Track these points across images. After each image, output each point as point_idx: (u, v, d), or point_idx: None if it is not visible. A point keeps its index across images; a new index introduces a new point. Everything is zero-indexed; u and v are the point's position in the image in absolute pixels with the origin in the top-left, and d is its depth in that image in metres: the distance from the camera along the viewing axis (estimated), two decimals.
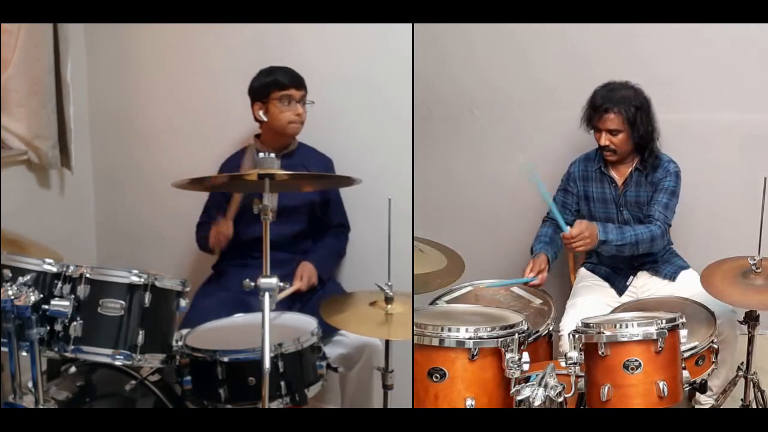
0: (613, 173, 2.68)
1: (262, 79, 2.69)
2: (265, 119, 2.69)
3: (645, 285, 2.69)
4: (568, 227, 2.43)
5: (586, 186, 2.72)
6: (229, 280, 2.66)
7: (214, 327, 2.33)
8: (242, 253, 2.74)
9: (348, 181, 2.19)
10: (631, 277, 2.71)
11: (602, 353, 1.93)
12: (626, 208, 2.66)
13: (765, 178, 2.23)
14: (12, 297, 1.85)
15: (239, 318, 2.41)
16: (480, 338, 1.92)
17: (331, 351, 2.43)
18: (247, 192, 2.55)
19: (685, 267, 2.70)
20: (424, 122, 2.91)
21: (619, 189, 2.66)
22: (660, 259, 2.68)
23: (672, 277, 2.67)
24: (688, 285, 2.58)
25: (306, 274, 2.61)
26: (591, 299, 2.61)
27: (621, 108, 2.52)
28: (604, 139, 2.57)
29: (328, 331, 2.31)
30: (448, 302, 2.55)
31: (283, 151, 2.72)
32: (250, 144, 2.78)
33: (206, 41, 3.02)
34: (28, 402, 1.93)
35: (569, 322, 2.45)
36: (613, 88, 2.57)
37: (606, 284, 2.72)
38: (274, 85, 2.65)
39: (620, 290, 2.69)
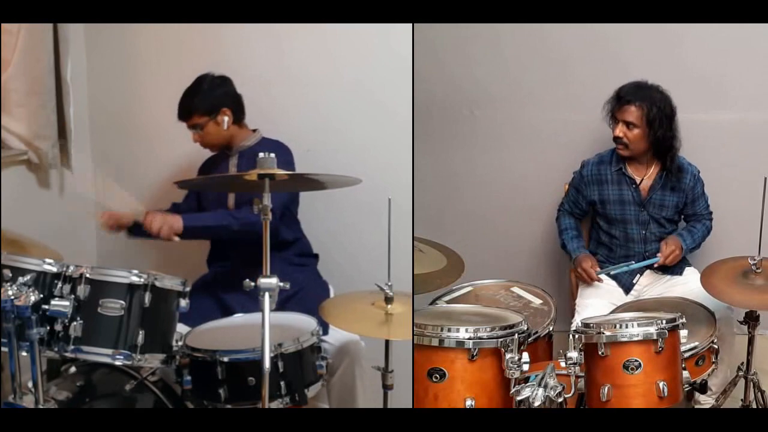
0: (633, 174, 2.68)
1: None
2: None
3: (651, 283, 2.71)
4: (657, 257, 2.62)
5: (601, 189, 2.71)
6: (212, 278, 2.69)
7: (214, 327, 2.33)
8: (217, 251, 2.76)
9: (347, 181, 2.19)
10: (638, 275, 2.71)
11: (602, 353, 1.93)
12: (647, 209, 2.67)
13: (765, 178, 2.24)
14: (12, 297, 1.85)
15: (239, 318, 2.41)
16: (480, 338, 1.92)
17: None
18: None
19: (688, 264, 2.73)
20: (423, 122, 2.91)
21: (640, 191, 2.67)
22: None
23: (679, 272, 2.70)
24: (693, 281, 2.59)
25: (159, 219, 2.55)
26: (600, 299, 2.63)
27: (644, 104, 2.56)
28: (619, 130, 2.60)
29: None
30: (448, 302, 2.55)
31: (234, 148, 2.75)
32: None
33: (205, 41, 3.02)
34: (28, 402, 1.93)
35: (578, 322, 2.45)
36: (642, 86, 2.60)
37: (613, 283, 2.72)
38: None
39: (627, 288, 2.70)
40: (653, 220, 2.68)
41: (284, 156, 2.72)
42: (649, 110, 2.55)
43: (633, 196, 2.67)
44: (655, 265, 2.64)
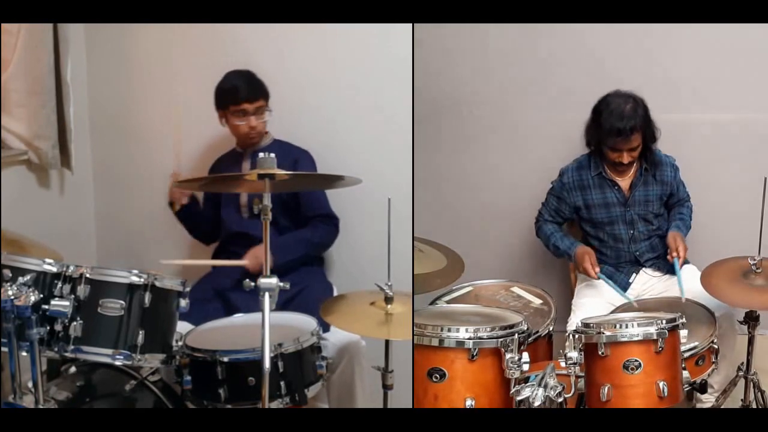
0: (615, 177, 2.68)
1: (222, 86, 2.74)
2: (226, 127, 2.76)
3: (648, 282, 2.70)
4: (676, 259, 2.56)
5: (584, 194, 2.71)
6: (216, 277, 2.69)
7: (214, 327, 2.33)
8: (228, 250, 2.76)
9: (347, 181, 2.19)
10: (634, 274, 2.71)
11: (602, 353, 1.93)
12: (633, 208, 2.67)
13: (765, 178, 2.23)
14: (12, 297, 1.85)
15: (239, 318, 2.41)
16: (480, 338, 1.92)
17: None
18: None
19: (686, 262, 2.70)
20: (423, 122, 2.91)
21: (623, 191, 2.67)
22: (662, 256, 2.68)
23: (674, 271, 2.67)
24: (689, 279, 2.58)
25: (255, 254, 2.58)
26: (596, 299, 2.62)
27: (641, 124, 2.52)
28: (627, 158, 2.56)
29: None
30: (448, 302, 2.55)
31: (254, 148, 2.77)
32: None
33: (205, 41, 3.02)
34: (28, 402, 1.93)
35: (577, 322, 2.45)
36: (619, 106, 2.53)
37: (610, 282, 2.71)
38: (229, 97, 2.71)
39: (623, 288, 2.69)
40: (640, 219, 2.68)
41: (298, 159, 2.77)
42: (643, 126, 2.53)
43: (617, 197, 2.67)
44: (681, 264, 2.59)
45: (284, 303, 2.49)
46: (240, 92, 2.68)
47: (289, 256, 2.64)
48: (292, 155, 2.76)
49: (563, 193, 2.74)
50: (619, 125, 2.50)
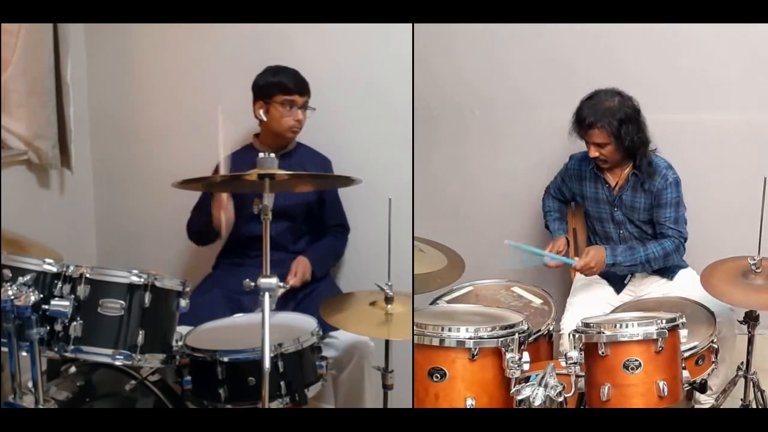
0: (607, 175, 2.68)
1: (267, 78, 2.69)
2: (264, 119, 2.70)
3: (643, 284, 2.70)
4: (575, 260, 2.55)
5: (581, 184, 2.74)
6: (225, 278, 2.67)
7: (214, 327, 2.32)
8: (239, 252, 2.74)
9: (348, 181, 2.19)
10: (629, 276, 2.71)
11: (602, 353, 1.94)
12: (620, 209, 2.67)
13: (765, 178, 2.23)
14: (12, 297, 1.85)
15: (239, 318, 2.41)
16: (480, 338, 1.92)
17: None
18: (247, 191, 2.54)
19: (683, 266, 2.70)
20: (424, 122, 2.91)
21: (613, 190, 2.67)
22: None
23: (670, 276, 2.67)
24: (686, 284, 2.59)
25: (300, 269, 2.61)
26: (590, 298, 2.63)
27: (604, 122, 2.50)
28: (594, 151, 2.58)
29: None
30: (448, 302, 2.55)
31: (281, 151, 2.72)
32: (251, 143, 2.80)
33: (206, 41, 3.02)
34: (28, 402, 1.93)
35: (569, 320, 2.46)
36: (599, 101, 2.54)
37: (604, 282, 2.72)
38: (278, 87, 2.66)
39: (618, 288, 2.70)
40: (628, 221, 2.67)
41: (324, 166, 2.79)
42: (611, 126, 2.49)
43: (606, 195, 2.68)
44: (573, 267, 2.56)
45: (294, 306, 2.49)
46: (290, 83, 2.65)
47: (324, 268, 2.72)
48: (317, 164, 2.78)
49: (565, 177, 2.79)
50: (581, 114, 2.54)
